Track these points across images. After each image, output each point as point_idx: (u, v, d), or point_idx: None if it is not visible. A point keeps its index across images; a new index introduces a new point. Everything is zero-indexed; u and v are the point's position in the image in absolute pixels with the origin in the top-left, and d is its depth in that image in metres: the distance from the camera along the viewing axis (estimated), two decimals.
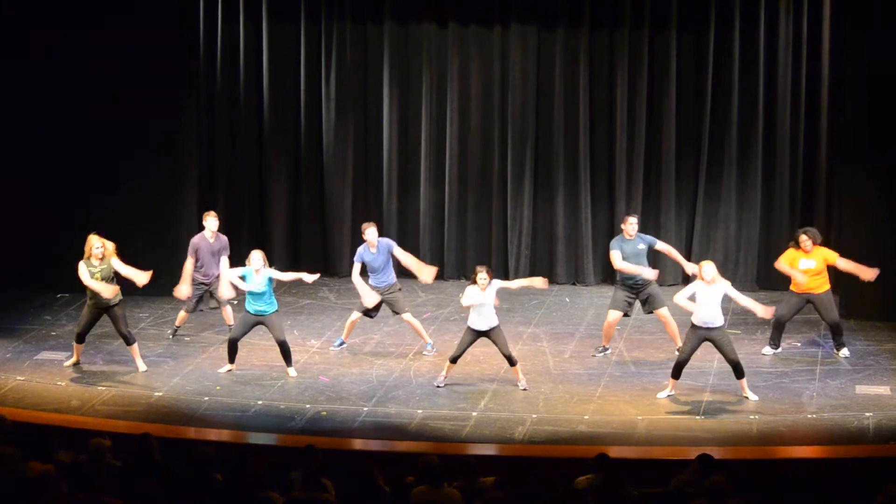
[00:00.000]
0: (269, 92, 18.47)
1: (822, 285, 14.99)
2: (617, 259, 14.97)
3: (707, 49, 17.70)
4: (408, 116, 18.54)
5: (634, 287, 14.98)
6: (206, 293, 15.65)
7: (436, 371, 14.65)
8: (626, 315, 15.20)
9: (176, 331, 15.90)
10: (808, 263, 14.90)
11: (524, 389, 14.00)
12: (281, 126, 18.65)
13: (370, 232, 15.17)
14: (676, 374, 13.79)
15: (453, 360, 14.15)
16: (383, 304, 15.27)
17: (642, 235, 15.27)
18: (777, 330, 15.20)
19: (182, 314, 15.85)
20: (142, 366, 14.68)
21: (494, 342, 14.07)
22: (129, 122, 17.26)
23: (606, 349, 15.26)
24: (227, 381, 14.31)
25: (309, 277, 14.67)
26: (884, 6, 16.22)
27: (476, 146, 18.48)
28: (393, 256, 15.27)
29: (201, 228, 15.80)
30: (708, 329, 13.60)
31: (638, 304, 15.17)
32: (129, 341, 14.65)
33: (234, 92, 18.49)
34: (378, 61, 18.40)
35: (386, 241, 15.32)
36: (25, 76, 17.27)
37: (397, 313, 15.34)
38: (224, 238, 15.81)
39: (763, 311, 13.84)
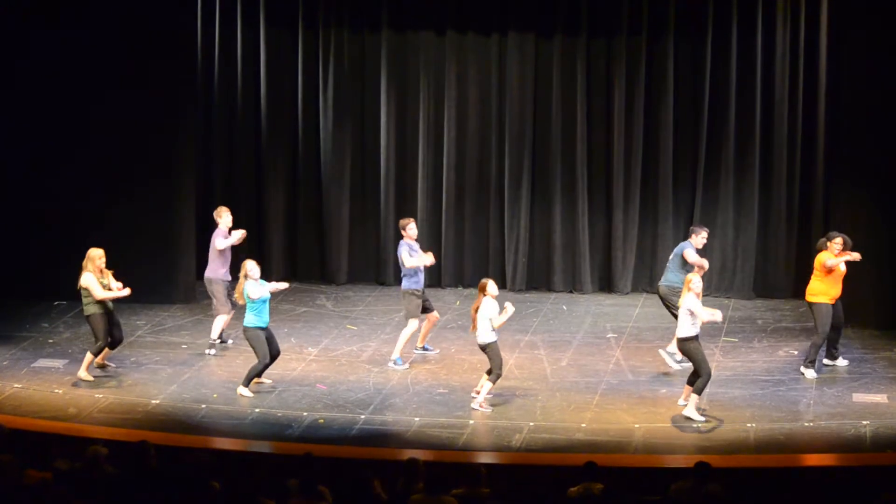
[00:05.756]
0: (266, 100, 18.46)
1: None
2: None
3: (704, 57, 17.71)
4: (405, 124, 18.54)
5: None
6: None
7: (433, 379, 14.67)
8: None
9: (222, 335, 15.69)
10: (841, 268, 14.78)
11: (479, 407, 13.74)
12: (278, 134, 18.63)
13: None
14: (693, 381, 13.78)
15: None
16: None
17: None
18: (831, 342, 14.89)
19: (223, 319, 15.51)
20: (83, 372, 14.48)
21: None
22: (127, 132, 17.22)
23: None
24: (224, 389, 14.29)
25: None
26: (881, 15, 16.23)
27: (473, 154, 18.47)
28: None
29: (203, 233, 15.68)
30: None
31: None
32: (110, 345, 14.70)
33: (232, 100, 18.49)
34: (376, 69, 18.40)
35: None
36: (25, 83, 17.25)
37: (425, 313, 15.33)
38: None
39: (711, 314, 13.59)
